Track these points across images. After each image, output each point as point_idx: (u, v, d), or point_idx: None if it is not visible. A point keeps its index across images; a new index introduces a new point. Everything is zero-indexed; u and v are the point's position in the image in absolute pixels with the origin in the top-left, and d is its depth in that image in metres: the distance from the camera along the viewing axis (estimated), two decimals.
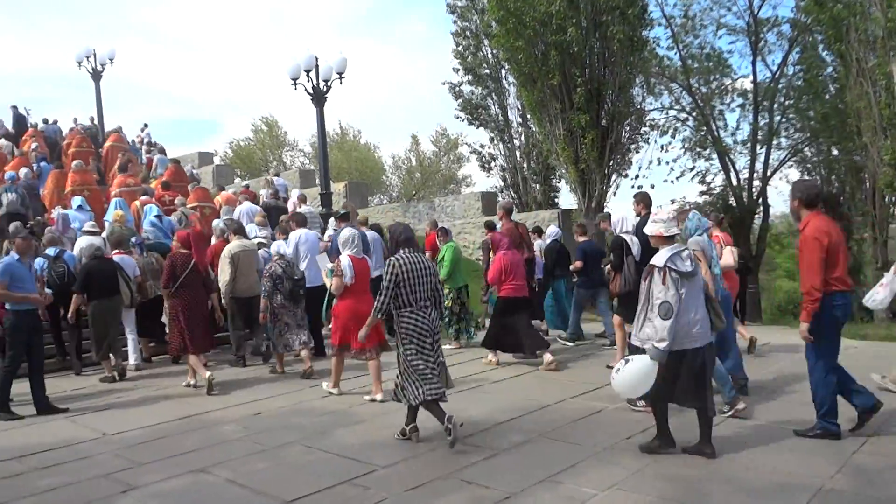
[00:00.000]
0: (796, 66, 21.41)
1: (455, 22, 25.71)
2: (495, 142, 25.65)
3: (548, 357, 8.91)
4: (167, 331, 9.01)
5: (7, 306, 7.41)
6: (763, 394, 7.08)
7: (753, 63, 22.27)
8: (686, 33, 22.41)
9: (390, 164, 41.33)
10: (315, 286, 9.59)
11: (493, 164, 26.09)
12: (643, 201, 8.08)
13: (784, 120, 22.22)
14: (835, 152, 20.70)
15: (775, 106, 22.06)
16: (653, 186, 23.15)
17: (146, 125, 24.16)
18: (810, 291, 5.36)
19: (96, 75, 23.35)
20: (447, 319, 10.53)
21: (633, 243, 7.66)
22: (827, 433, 5.54)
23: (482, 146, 26.31)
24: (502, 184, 25.54)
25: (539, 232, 12.44)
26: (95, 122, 23.33)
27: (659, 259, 5.20)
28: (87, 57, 23.16)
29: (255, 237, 11.33)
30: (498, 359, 9.33)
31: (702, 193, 23.17)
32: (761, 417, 6.26)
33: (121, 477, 5.29)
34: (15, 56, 68.06)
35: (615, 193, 19.42)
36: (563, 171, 19.74)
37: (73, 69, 22.80)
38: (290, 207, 15.76)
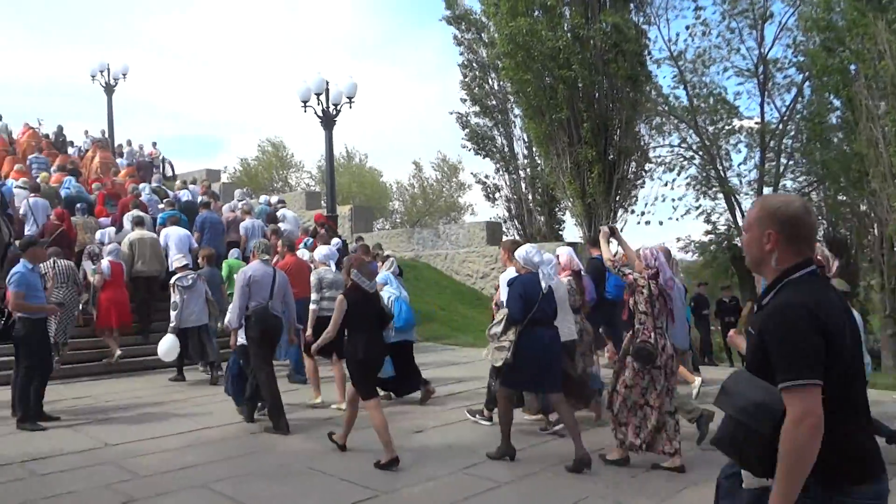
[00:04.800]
0: (804, 111, 21.51)
1: (462, 54, 26.03)
2: (500, 172, 25.79)
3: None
4: None
5: (22, 314, 7.24)
6: None
7: (761, 105, 22.47)
8: (693, 72, 22.61)
9: (394, 189, 41.53)
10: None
11: (497, 194, 26.19)
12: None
13: (791, 163, 22.34)
14: (841, 197, 20.69)
15: (782, 148, 22.19)
16: (661, 223, 23.19)
17: (154, 143, 24.23)
18: None
19: (109, 89, 23.56)
20: None
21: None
22: None
23: (486, 176, 26.47)
24: (507, 214, 25.62)
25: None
26: (106, 134, 23.43)
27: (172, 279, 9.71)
28: (101, 71, 23.42)
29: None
30: None
31: (707, 233, 23.20)
32: None
33: (122, 488, 5.21)
34: (28, 67, 68.57)
35: (622, 229, 19.39)
36: (569, 204, 19.80)
37: (84, 82, 23.08)
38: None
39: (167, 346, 9.34)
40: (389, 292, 8.38)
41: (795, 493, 2.05)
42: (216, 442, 6.66)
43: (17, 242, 10.23)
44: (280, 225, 14.08)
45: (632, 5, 19.98)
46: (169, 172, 22.15)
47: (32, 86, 69.31)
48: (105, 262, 10.73)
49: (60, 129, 22.31)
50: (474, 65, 25.89)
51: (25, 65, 68.35)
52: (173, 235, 11.85)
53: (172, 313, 9.57)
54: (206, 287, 9.96)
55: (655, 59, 21.81)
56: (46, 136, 21.20)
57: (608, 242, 6.29)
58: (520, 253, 6.16)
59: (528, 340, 5.77)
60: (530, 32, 18.54)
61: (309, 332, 7.76)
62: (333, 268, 8.44)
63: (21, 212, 12.59)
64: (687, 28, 22.26)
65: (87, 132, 23.04)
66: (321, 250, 8.96)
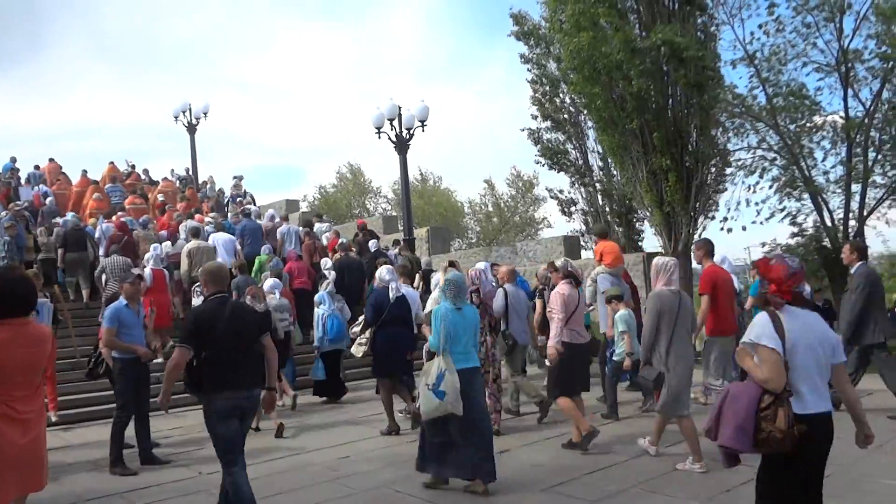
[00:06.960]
0: (893, 98, 20.46)
1: (530, 70, 25.93)
2: (576, 186, 25.52)
3: None
4: None
5: (114, 354, 7.23)
6: None
7: (844, 99, 21.41)
8: (769, 70, 21.85)
9: (468, 208, 41.60)
10: None
11: (573, 208, 25.93)
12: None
13: (880, 157, 21.29)
14: None
15: (870, 142, 21.18)
16: (744, 228, 22.28)
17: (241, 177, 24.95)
18: None
19: (191, 128, 24.59)
20: None
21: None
22: None
23: (561, 191, 26.23)
24: (584, 227, 25.31)
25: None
26: (190, 171, 24.42)
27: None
28: (184, 111, 24.49)
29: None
30: None
31: (793, 235, 22.29)
32: None
33: None
34: (117, 110, 72.18)
35: (701, 236, 18.90)
36: (648, 213, 19.43)
37: (169, 122, 24.15)
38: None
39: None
40: (323, 310, 10.29)
41: (168, 387, 4.91)
42: (307, 466, 6.81)
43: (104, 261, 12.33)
44: (326, 234, 16.29)
45: (696, 9, 19.57)
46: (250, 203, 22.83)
47: (125, 128, 73.12)
48: (147, 270, 11.52)
49: (146, 171, 23.42)
50: (543, 80, 25.69)
51: (116, 109, 72.17)
52: (220, 239, 13.81)
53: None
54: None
55: (731, 60, 21.27)
56: (132, 170, 22.45)
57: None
58: (377, 273, 8.61)
59: (381, 337, 8.06)
60: (592, 46, 18.38)
61: None
62: (277, 295, 10.02)
63: (96, 236, 14.66)
64: (760, 27, 21.58)
65: (172, 170, 24.07)
66: (268, 282, 10.24)
